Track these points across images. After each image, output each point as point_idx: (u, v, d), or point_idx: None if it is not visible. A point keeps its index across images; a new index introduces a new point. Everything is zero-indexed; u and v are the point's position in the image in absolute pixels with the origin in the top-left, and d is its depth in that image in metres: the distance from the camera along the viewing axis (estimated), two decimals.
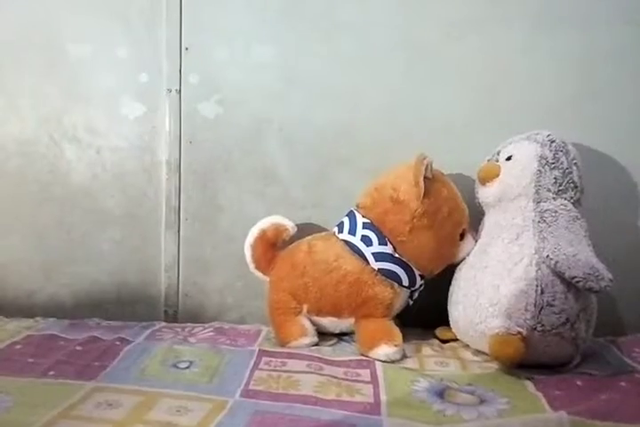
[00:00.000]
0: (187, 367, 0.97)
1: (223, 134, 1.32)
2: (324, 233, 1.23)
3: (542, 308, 0.96)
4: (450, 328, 1.14)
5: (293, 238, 1.24)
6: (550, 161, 1.06)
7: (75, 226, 1.35)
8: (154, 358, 1.00)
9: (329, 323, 1.15)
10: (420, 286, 1.15)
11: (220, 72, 1.31)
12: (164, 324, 1.25)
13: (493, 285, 1.02)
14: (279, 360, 1.01)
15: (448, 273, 1.15)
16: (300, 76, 1.30)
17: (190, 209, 1.34)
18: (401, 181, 1.10)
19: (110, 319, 1.27)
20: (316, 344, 1.12)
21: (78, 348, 1.04)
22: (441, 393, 0.88)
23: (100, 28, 1.31)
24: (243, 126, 1.32)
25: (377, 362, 1.01)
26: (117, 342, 1.07)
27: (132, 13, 1.30)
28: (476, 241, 1.13)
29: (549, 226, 1.01)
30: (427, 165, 1.06)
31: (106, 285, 1.35)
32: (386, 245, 1.10)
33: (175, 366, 0.97)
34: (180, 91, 1.31)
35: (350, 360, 1.02)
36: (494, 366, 1.00)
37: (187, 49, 1.30)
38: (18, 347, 1.04)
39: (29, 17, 1.31)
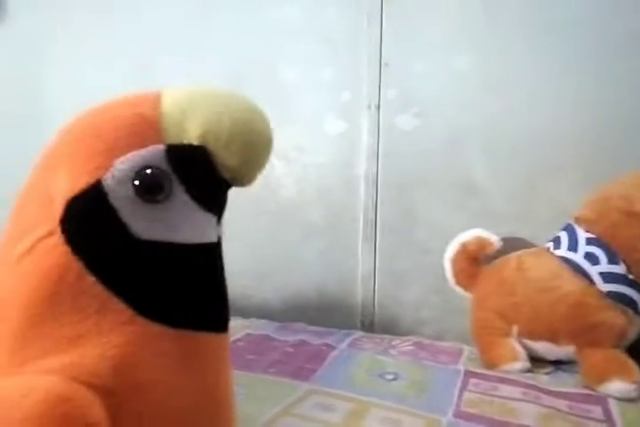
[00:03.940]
0: (393, 379, 0.96)
1: (420, 146, 1.31)
2: (533, 249, 1.13)
3: None
4: None
5: (496, 254, 1.17)
6: None
7: (283, 236, 1.46)
8: (359, 367, 1.01)
9: (543, 348, 1.04)
10: None
11: (418, 85, 1.31)
12: (362, 333, 1.27)
13: None
14: (489, 384, 0.94)
15: None
16: (498, 83, 1.23)
17: (387, 221, 1.35)
18: (635, 190, 0.95)
19: (312, 324, 1.34)
20: (529, 371, 1.02)
21: (290, 349, 1.11)
22: None
23: (308, 52, 1.41)
24: (440, 137, 1.29)
25: (609, 399, 0.87)
26: (323, 347, 1.12)
27: (337, 35, 1.38)
28: None
29: None
30: None
31: (309, 292, 1.44)
32: (617, 264, 0.95)
33: (381, 376, 0.97)
34: (378, 106, 1.34)
35: (575, 393, 0.90)
36: None
37: (386, 64, 1.33)
38: (240, 344, 1.15)
39: (251, 49, 1.47)
